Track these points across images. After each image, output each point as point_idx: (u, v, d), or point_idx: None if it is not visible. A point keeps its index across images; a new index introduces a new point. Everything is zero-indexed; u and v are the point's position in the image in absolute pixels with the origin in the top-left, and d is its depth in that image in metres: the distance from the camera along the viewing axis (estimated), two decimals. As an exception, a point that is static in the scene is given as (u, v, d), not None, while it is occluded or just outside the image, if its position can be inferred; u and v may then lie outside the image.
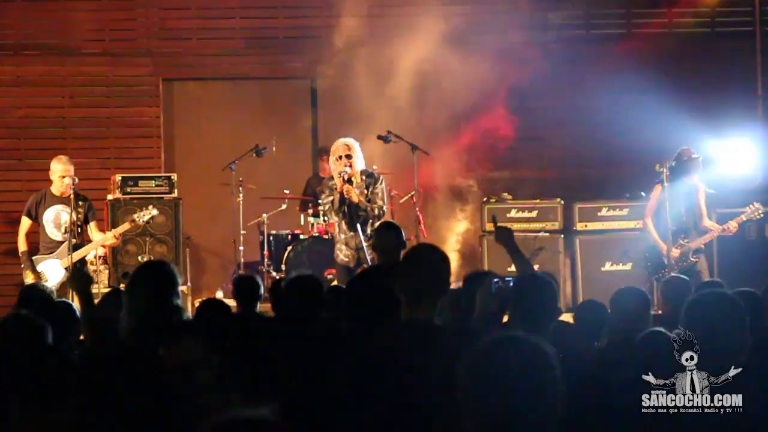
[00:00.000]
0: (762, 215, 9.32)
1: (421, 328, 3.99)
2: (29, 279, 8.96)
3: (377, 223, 8.44)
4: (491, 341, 2.51)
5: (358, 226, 8.53)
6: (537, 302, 4.31)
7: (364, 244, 8.45)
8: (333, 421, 3.83)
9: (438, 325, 4.13)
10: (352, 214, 8.60)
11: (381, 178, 8.83)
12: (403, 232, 6.61)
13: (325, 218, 10.75)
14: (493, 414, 2.42)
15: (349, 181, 8.60)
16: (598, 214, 10.89)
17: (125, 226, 9.41)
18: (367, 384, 3.83)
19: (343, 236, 8.71)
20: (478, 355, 2.48)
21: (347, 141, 8.83)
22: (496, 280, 4.48)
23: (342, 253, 8.71)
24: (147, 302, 4.61)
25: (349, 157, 8.62)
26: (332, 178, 8.80)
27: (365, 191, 8.67)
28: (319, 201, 9.70)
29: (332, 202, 8.66)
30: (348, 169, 8.59)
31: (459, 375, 2.48)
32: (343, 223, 8.67)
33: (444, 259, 4.26)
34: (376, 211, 8.70)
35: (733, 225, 9.23)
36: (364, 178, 8.72)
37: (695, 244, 9.26)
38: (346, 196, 8.56)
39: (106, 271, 10.47)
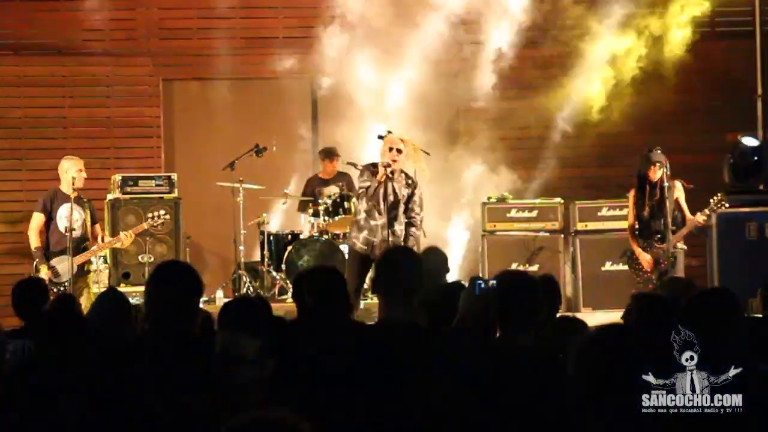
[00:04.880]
0: (726, 207, 9.17)
1: (399, 327, 4.08)
2: (42, 273, 8.93)
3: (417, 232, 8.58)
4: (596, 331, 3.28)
5: (393, 220, 8.47)
6: (517, 302, 4.27)
7: (393, 236, 8.39)
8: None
9: (415, 323, 4.21)
10: (389, 206, 8.45)
11: (419, 185, 8.70)
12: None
13: (326, 218, 10.69)
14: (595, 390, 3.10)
15: (390, 174, 8.47)
16: (598, 214, 10.88)
17: (142, 227, 9.49)
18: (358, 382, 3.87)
19: (372, 222, 8.48)
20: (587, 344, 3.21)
21: (404, 137, 8.77)
22: (479, 281, 4.44)
23: (359, 241, 8.49)
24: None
25: (399, 151, 8.53)
26: (374, 165, 8.59)
27: (403, 192, 8.55)
28: (353, 187, 9.70)
29: (368, 187, 8.48)
30: (394, 161, 8.47)
31: (571, 359, 3.19)
32: (374, 210, 8.49)
33: (417, 263, 4.45)
34: (418, 220, 8.63)
35: (700, 218, 9.09)
36: (404, 177, 8.61)
37: (669, 243, 9.03)
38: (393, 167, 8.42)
39: (107, 271, 10.47)
